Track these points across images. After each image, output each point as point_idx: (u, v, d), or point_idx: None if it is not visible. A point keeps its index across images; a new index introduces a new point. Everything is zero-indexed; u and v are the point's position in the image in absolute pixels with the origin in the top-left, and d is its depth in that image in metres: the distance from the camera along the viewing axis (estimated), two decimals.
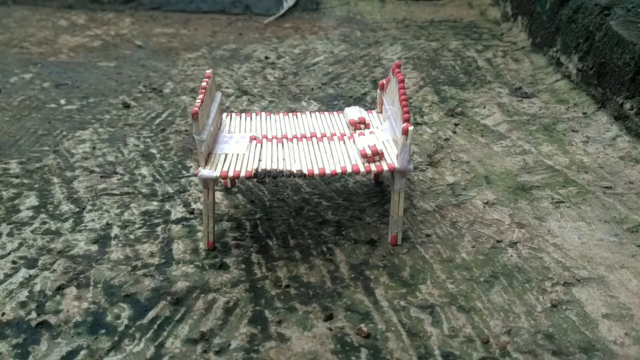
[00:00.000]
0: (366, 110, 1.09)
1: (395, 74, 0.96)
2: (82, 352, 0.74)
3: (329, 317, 0.79)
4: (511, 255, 0.92)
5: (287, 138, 0.99)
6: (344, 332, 0.76)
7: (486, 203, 1.08)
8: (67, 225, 1.02)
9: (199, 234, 0.99)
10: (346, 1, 2.79)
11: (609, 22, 1.50)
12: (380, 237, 0.97)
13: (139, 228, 1.01)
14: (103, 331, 0.78)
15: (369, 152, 0.90)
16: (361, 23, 2.45)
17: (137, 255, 0.94)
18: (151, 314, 0.81)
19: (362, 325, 0.77)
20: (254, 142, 0.97)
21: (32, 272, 0.89)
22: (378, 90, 1.08)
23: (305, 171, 0.87)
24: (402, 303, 0.82)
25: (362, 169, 0.89)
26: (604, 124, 1.41)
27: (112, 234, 0.99)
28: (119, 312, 0.81)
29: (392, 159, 0.90)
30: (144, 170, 1.20)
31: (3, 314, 0.81)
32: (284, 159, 0.91)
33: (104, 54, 1.98)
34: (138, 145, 1.31)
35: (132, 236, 0.99)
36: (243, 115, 1.09)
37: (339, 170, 0.88)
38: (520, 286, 0.85)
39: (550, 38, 1.86)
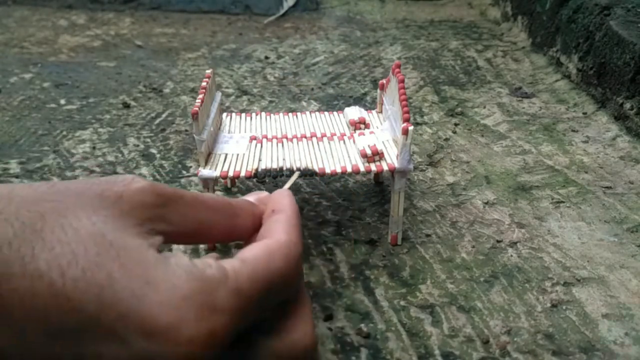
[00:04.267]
0: (366, 110, 1.09)
1: (395, 73, 0.96)
2: None
3: (329, 317, 0.79)
4: (511, 255, 0.92)
5: (287, 138, 0.99)
6: (344, 332, 0.76)
7: (486, 203, 1.08)
8: None
9: None
10: (346, 1, 2.79)
11: (609, 22, 1.50)
12: (380, 237, 0.97)
13: None
14: None
15: (369, 152, 0.90)
16: (361, 23, 2.45)
17: None
18: None
19: (362, 325, 0.77)
20: (254, 142, 0.97)
21: None
22: (378, 90, 1.08)
23: (304, 166, 0.87)
24: (402, 303, 0.82)
25: (362, 169, 0.88)
26: (604, 124, 1.41)
27: None
28: None
29: (392, 159, 0.90)
30: (144, 170, 1.20)
31: None
32: (284, 159, 0.91)
33: (104, 54, 1.98)
34: (138, 145, 1.31)
35: None
36: (243, 115, 1.09)
37: (339, 170, 0.88)
38: (520, 286, 0.85)
39: (550, 38, 1.86)
